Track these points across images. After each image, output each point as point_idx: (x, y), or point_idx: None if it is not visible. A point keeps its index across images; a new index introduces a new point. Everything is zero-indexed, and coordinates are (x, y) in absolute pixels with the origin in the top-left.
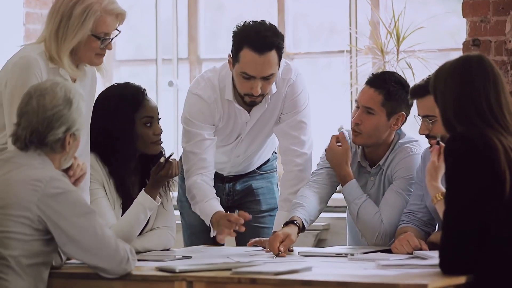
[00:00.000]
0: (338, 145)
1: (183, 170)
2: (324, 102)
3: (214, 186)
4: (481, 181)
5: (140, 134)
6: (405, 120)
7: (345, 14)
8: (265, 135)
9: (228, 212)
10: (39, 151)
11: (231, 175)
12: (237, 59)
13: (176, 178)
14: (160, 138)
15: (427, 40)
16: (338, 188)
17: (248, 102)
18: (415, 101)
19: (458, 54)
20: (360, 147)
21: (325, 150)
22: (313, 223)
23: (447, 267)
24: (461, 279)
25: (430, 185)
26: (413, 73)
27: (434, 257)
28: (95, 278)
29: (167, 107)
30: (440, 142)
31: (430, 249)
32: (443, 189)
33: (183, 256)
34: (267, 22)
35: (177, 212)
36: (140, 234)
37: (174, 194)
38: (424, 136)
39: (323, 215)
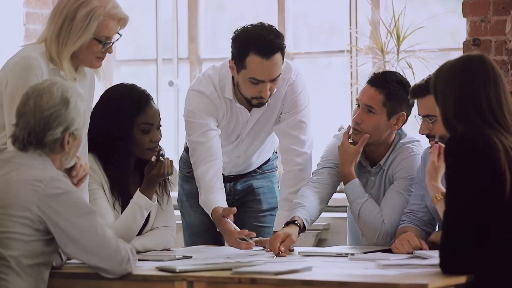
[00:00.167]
0: (349, 142)
1: (183, 170)
2: (324, 102)
3: None
4: (481, 181)
5: (137, 139)
6: (406, 120)
7: (345, 14)
8: (265, 134)
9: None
10: (39, 151)
11: (231, 175)
12: (243, 66)
13: (175, 178)
14: (157, 146)
15: (427, 40)
16: (338, 188)
17: (255, 104)
18: (415, 101)
19: (458, 54)
20: None
21: (338, 146)
22: (314, 223)
23: (447, 267)
24: (461, 279)
25: (430, 185)
26: (413, 73)
27: (434, 257)
28: (96, 278)
29: (167, 107)
30: (439, 142)
31: (431, 249)
32: (443, 189)
33: (183, 256)
34: (266, 24)
35: (177, 212)
36: (140, 233)
37: (174, 194)
38: (424, 135)
39: (323, 214)
